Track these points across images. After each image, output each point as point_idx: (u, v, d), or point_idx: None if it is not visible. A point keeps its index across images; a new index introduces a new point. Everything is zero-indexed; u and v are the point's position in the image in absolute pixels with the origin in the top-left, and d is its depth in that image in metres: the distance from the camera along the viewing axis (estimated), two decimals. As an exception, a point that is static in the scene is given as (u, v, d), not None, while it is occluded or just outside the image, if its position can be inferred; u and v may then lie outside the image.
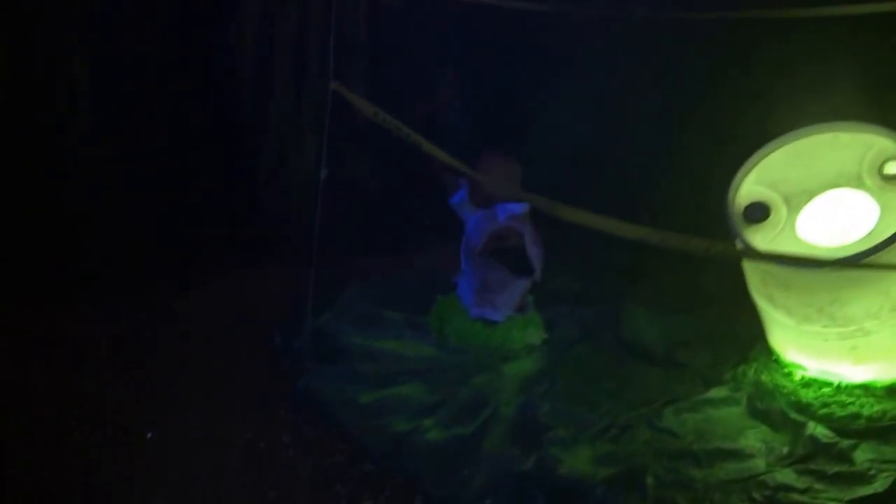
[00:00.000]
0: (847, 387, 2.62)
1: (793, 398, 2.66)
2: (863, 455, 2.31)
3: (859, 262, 2.45)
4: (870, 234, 2.57)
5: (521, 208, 3.18)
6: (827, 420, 2.52)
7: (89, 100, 3.93)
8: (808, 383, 2.71)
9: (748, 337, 2.97)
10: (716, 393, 2.79)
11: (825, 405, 2.59)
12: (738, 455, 2.43)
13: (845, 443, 2.39)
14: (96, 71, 3.99)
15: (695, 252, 2.18)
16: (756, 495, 2.24)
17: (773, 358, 2.89)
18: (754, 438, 2.55)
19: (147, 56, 4.08)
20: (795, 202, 2.81)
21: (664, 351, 3.09)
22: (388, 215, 4.33)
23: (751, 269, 2.83)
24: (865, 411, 2.49)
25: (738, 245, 2.73)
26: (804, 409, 2.59)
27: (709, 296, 3.23)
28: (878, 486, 2.18)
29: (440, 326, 3.26)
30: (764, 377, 2.81)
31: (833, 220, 2.79)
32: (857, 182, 2.71)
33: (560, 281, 3.44)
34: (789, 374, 2.78)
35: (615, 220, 2.29)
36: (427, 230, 3.99)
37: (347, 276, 3.69)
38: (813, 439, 2.43)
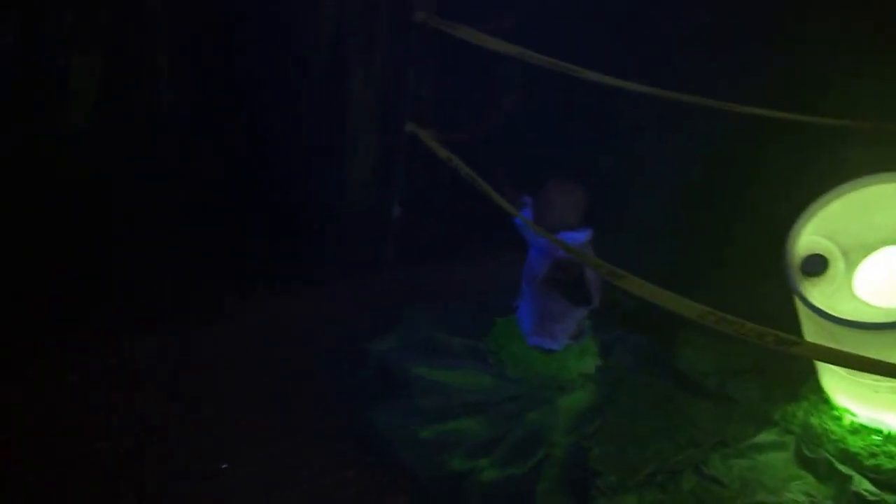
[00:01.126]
0: (896, 436, 2.74)
1: (840, 445, 2.91)
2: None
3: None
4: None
5: (584, 237, 3.42)
6: (874, 472, 2.78)
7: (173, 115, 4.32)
8: (856, 430, 2.95)
9: (801, 371, 3.20)
10: (764, 437, 3.07)
11: (873, 455, 2.85)
12: (781, 510, 2.61)
13: (891, 499, 2.65)
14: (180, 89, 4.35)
15: (749, 338, 2.44)
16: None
17: (823, 398, 3.12)
18: (799, 491, 2.82)
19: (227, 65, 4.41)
20: (853, 256, 2.98)
21: (716, 383, 3.38)
22: (456, 225, 4.74)
23: (805, 318, 3.02)
24: (913, 465, 2.62)
25: (796, 298, 2.92)
26: (851, 458, 2.85)
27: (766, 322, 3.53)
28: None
29: (497, 352, 3.59)
30: (813, 419, 3.06)
31: (890, 277, 2.98)
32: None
33: (618, 297, 3.60)
34: (838, 419, 3.01)
35: (675, 296, 2.56)
36: (489, 243, 4.38)
37: (413, 289, 4.08)
38: (858, 496, 2.71)
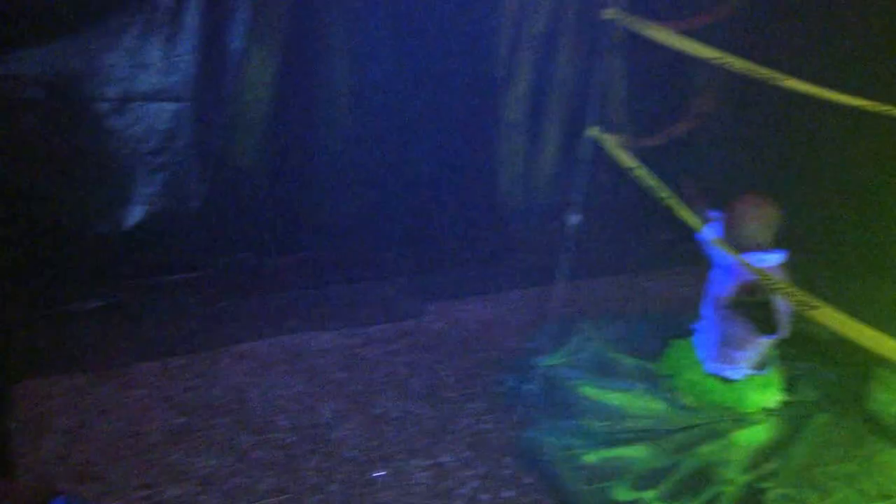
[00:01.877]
0: None
1: None
2: None
3: None
4: None
5: (776, 259, 3.34)
6: None
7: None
8: None
9: None
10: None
11: None
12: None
13: None
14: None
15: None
16: None
17: None
18: None
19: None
20: None
21: (910, 429, 3.11)
22: (635, 236, 4.82)
23: None
24: None
25: None
26: None
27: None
28: None
29: (671, 376, 3.62)
30: None
31: None
32: None
33: (808, 327, 3.49)
34: None
35: (877, 334, 2.50)
36: (670, 258, 4.45)
37: (587, 302, 4.18)
38: None
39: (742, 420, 3.46)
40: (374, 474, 3.28)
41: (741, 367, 3.51)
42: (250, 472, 3.27)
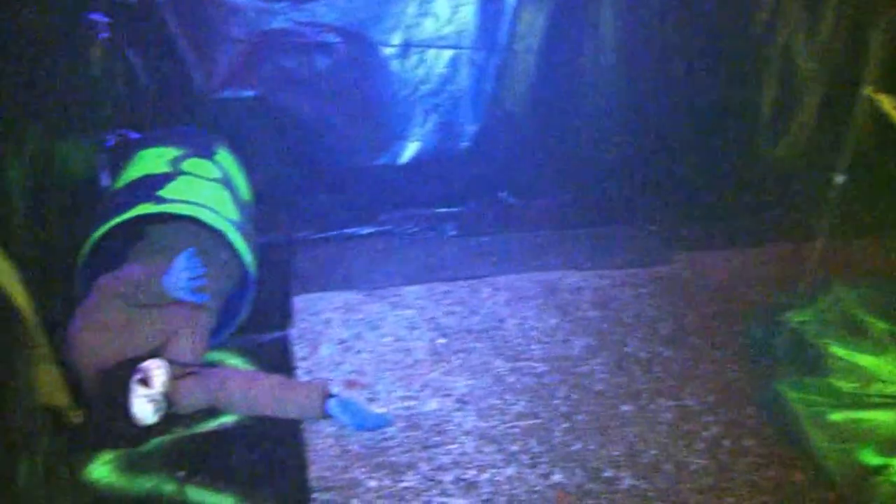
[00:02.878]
0: None
1: None
2: None
3: None
4: None
5: None
6: None
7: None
8: None
9: None
10: None
11: None
12: None
13: None
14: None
15: None
16: None
17: None
18: None
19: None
20: None
21: None
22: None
23: None
24: None
25: None
26: None
27: None
28: None
29: None
30: None
31: None
32: None
33: None
34: None
35: None
36: None
37: (842, 262, 4.14)
38: None
39: None
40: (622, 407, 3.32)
41: None
42: (504, 395, 3.52)
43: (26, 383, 2.55)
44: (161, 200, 3.40)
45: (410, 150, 4.63)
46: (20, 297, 2.48)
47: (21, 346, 2.54)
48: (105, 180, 4.11)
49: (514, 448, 3.21)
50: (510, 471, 3.11)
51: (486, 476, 3.08)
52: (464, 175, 4.68)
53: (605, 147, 4.81)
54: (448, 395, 3.49)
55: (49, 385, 2.78)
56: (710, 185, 4.85)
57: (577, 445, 3.24)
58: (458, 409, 3.42)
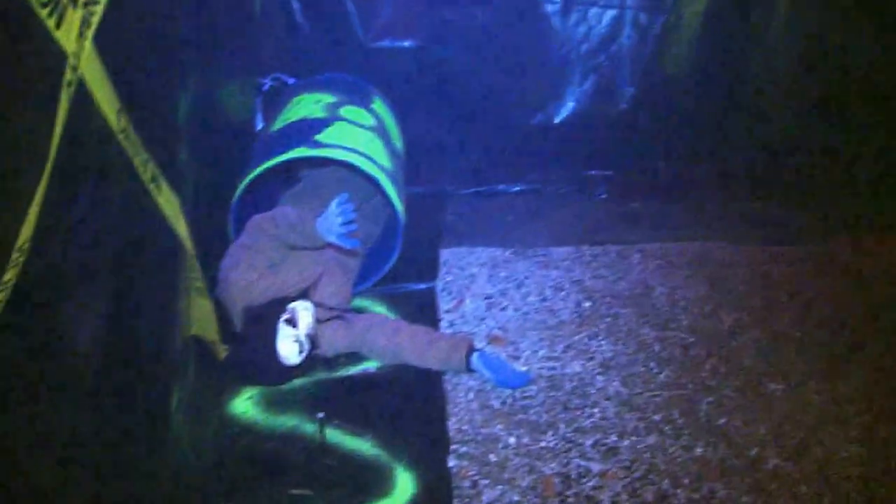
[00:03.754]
0: None
1: None
2: None
3: None
4: None
5: None
6: None
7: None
8: None
9: None
10: None
11: None
12: None
13: None
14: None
15: None
16: None
17: None
18: None
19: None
20: None
21: None
22: None
23: None
24: None
25: None
26: None
27: None
28: None
29: None
30: None
31: None
32: None
33: None
34: None
35: None
36: None
37: None
38: None
39: None
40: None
41: None
42: (648, 362, 3.44)
43: (185, 314, 2.61)
44: (318, 145, 3.42)
45: (566, 109, 4.49)
46: (183, 229, 2.53)
47: (183, 277, 2.60)
48: (259, 123, 4.15)
49: (657, 417, 3.13)
50: (651, 440, 3.04)
51: (626, 443, 3.02)
52: (618, 138, 4.56)
53: (768, 119, 4.53)
54: (591, 359, 3.43)
55: (201, 318, 2.84)
56: (879, 164, 4.47)
57: (722, 420, 3.14)
58: (601, 374, 3.36)
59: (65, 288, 1.77)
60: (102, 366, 1.93)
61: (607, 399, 3.25)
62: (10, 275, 1.44)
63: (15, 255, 1.44)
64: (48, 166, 1.55)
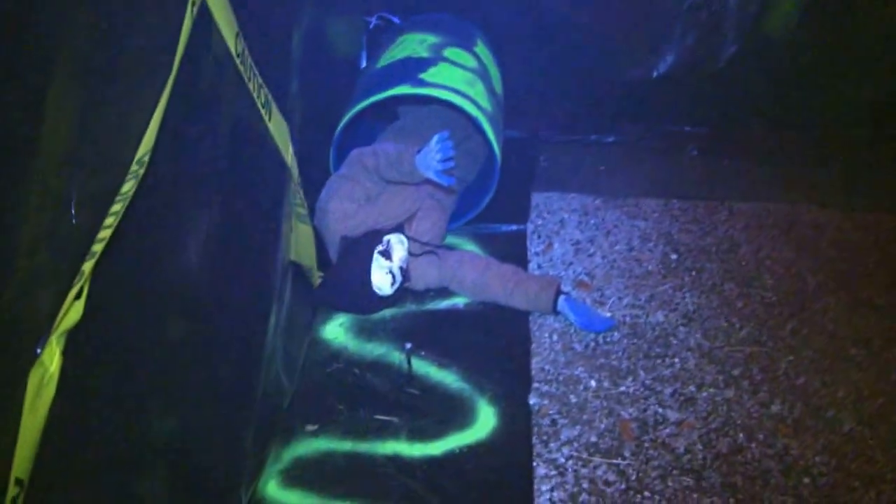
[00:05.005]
0: None
1: None
2: None
3: None
4: None
5: None
6: None
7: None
8: None
9: None
10: None
11: None
12: None
13: None
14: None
15: None
16: None
17: None
18: None
19: None
20: None
21: None
22: None
23: None
24: None
25: None
26: None
27: None
28: None
29: None
30: None
31: None
32: None
33: None
34: None
35: None
36: None
37: None
38: None
39: None
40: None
41: None
42: (730, 317, 3.32)
43: (286, 237, 2.58)
44: (421, 83, 3.34)
45: (665, 64, 4.31)
46: (289, 156, 2.49)
47: (287, 202, 2.56)
48: (364, 61, 4.07)
49: (736, 372, 3.03)
50: (729, 393, 2.95)
51: (704, 394, 2.94)
52: (715, 96, 4.37)
53: (869, 85, 4.26)
54: (675, 310, 3.33)
55: (301, 244, 2.81)
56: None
57: (801, 380, 3.02)
58: (684, 325, 3.26)
59: (177, 204, 1.72)
60: (207, 281, 1.89)
61: (688, 350, 3.15)
62: (128, 186, 1.39)
63: (134, 168, 1.39)
64: (170, 80, 1.49)
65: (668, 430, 2.81)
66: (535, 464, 2.67)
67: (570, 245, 3.70)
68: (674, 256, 3.68)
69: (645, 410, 2.89)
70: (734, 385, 2.99)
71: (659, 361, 3.09)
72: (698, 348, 3.15)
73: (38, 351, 1.25)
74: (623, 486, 2.58)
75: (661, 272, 3.58)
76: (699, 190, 4.22)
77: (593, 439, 2.77)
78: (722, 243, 3.80)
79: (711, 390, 2.98)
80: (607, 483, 2.57)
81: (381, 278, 3.00)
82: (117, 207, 1.38)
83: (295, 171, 2.58)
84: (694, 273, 3.59)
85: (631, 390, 2.98)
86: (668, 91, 4.34)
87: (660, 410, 2.90)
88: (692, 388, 2.98)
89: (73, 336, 1.34)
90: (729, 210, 4.06)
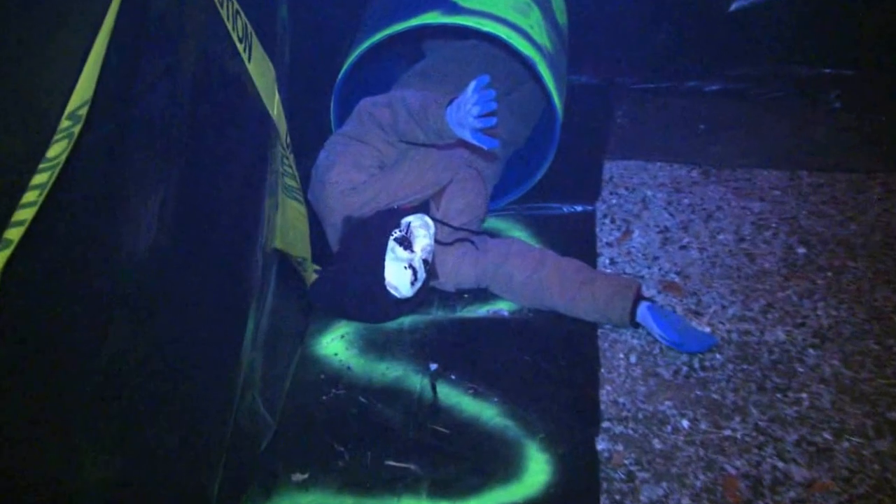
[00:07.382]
0: None
1: None
2: None
3: None
4: None
5: None
6: None
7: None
8: None
9: None
10: None
11: None
12: None
13: None
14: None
15: None
16: None
17: None
18: None
19: None
20: None
21: None
22: None
23: None
24: None
25: None
26: None
27: None
28: None
29: None
30: None
31: None
32: None
33: None
34: None
35: None
36: None
37: None
38: None
39: None
40: None
41: None
42: (885, 338, 3.29)
43: (269, 217, 2.57)
44: (455, 9, 3.31)
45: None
46: (275, 107, 2.50)
47: (270, 169, 2.55)
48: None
49: (892, 415, 2.97)
50: (883, 445, 2.89)
51: (844, 445, 2.89)
52: (861, 24, 4.25)
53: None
54: (802, 325, 3.32)
55: (289, 227, 2.81)
56: None
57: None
58: (815, 347, 3.24)
59: (123, 173, 1.72)
60: (161, 276, 1.90)
61: (822, 382, 3.13)
62: (57, 149, 1.38)
63: (65, 124, 1.39)
64: (114, 2, 1.48)
65: (792, 494, 2.78)
66: (605, 536, 2.52)
67: (655, 233, 3.74)
68: (802, 250, 3.69)
69: (759, 465, 2.87)
70: (890, 434, 2.94)
71: (779, 396, 3.08)
72: (836, 380, 3.13)
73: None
74: (728, 573, 2.51)
75: (784, 272, 3.58)
76: (841, 157, 4.20)
77: (685, 502, 2.75)
78: (872, 233, 3.77)
79: (856, 440, 2.94)
80: (705, 568, 2.53)
81: (398, 275, 3.00)
82: (42, 178, 1.37)
83: (283, 128, 2.56)
84: (831, 274, 3.57)
85: (739, 435, 2.96)
86: (792, 20, 4.28)
87: (780, 465, 2.88)
88: (828, 435, 2.95)
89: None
90: (884, 186, 4.03)
